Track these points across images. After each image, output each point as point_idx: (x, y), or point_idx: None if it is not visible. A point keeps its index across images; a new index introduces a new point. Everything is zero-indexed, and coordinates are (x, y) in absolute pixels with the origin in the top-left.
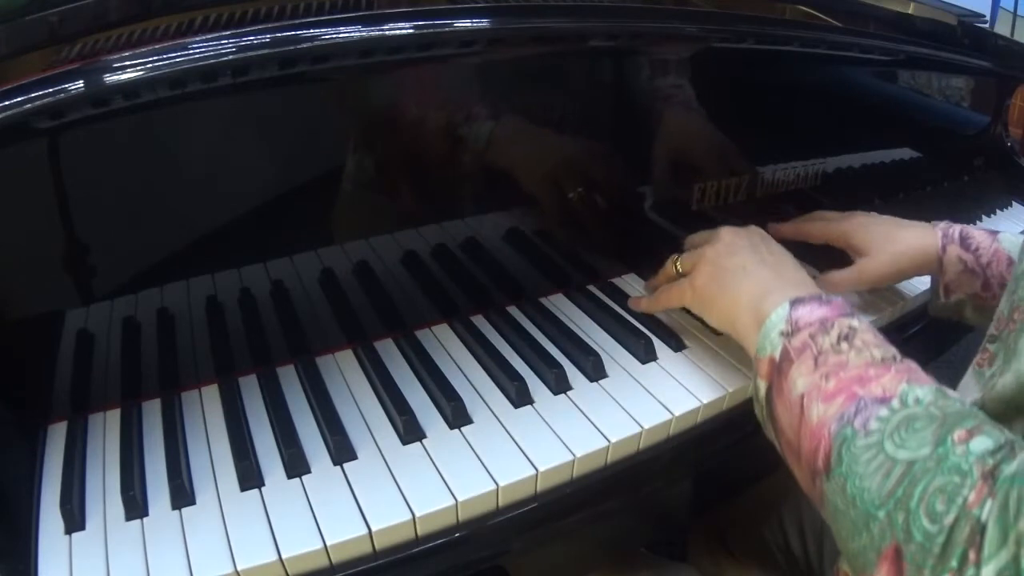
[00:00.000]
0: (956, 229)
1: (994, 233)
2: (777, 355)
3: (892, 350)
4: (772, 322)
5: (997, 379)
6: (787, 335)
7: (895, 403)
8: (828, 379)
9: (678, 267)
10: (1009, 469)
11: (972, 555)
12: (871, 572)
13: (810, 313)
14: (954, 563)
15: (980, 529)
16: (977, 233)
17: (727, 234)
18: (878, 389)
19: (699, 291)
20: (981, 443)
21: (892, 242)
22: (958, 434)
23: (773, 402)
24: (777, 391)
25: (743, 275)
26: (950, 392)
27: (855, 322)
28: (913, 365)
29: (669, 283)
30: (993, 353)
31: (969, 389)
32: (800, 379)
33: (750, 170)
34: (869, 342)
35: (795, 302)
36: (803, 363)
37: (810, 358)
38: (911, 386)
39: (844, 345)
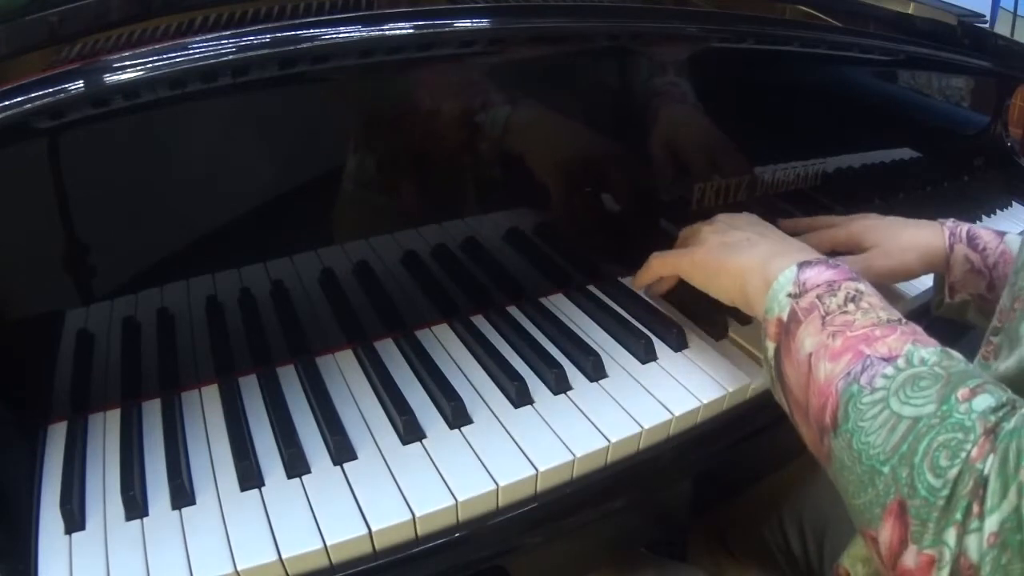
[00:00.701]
0: (963, 228)
1: (1001, 234)
2: (785, 316)
3: (897, 313)
4: (780, 284)
5: (999, 364)
6: (795, 296)
7: (901, 362)
8: (835, 338)
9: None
10: (1009, 425)
11: (976, 507)
12: (876, 527)
13: (818, 275)
14: (958, 516)
15: (983, 482)
16: (984, 233)
17: (725, 215)
18: (884, 348)
19: (700, 261)
20: (984, 401)
21: (900, 240)
22: (962, 392)
23: (781, 362)
24: (785, 351)
25: (747, 245)
26: (954, 353)
27: (861, 285)
28: (918, 328)
29: (663, 253)
30: (998, 345)
31: None
32: (808, 339)
33: (750, 169)
34: (875, 304)
35: (802, 264)
36: (811, 323)
37: (817, 318)
38: (916, 347)
39: (851, 306)
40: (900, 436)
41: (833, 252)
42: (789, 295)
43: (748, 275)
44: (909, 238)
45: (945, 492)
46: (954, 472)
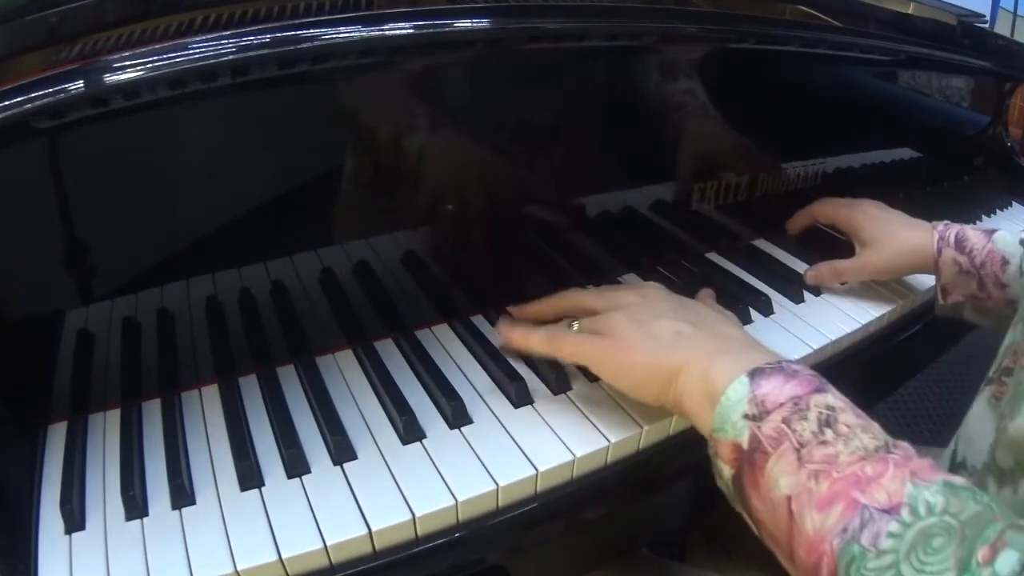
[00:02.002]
0: (953, 231)
1: (990, 232)
2: (745, 442)
3: (879, 432)
4: (730, 400)
5: (1009, 421)
6: (754, 419)
7: (905, 514)
8: (818, 480)
9: (573, 325)
10: None
11: None
12: None
13: (777, 391)
14: None
15: None
16: (972, 234)
17: (635, 292)
18: (882, 495)
19: (621, 357)
20: (1006, 561)
21: (895, 240)
22: (982, 552)
23: (746, 492)
24: (751, 484)
25: (680, 340)
26: (957, 481)
27: (831, 398)
28: (908, 450)
29: (559, 327)
30: (1009, 387)
31: (984, 421)
32: (783, 478)
33: (758, 168)
34: (853, 425)
35: (755, 374)
36: (783, 457)
37: (791, 451)
38: (918, 488)
39: (828, 432)
40: None
41: (824, 243)
42: (746, 416)
43: (683, 380)
44: (902, 240)
45: None
46: None
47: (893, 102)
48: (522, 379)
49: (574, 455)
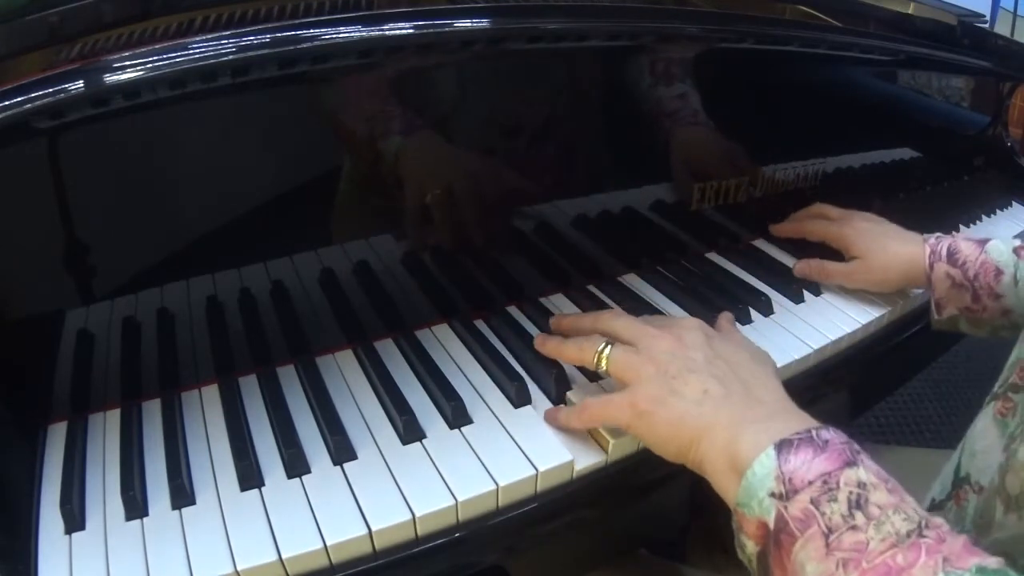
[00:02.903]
0: (944, 244)
1: (982, 243)
2: (771, 522)
3: (913, 511)
4: (757, 476)
5: (1019, 445)
6: (781, 497)
7: None
8: (847, 570)
9: (602, 365)
10: None
11: None
12: None
13: (806, 466)
14: None
15: None
16: (964, 246)
17: (671, 336)
18: None
19: (646, 415)
20: None
21: (886, 254)
22: None
23: (771, 571)
24: (776, 564)
25: (706, 401)
26: (990, 564)
27: (862, 473)
28: (943, 530)
29: (598, 395)
30: (1016, 404)
31: (989, 437)
32: (809, 564)
33: (752, 169)
34: (885, 505)
35: (781, 447)
36: (809, 541)
37: (818, 535)
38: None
39: (859, 516)
40: None
41: (822, 244)
42: (772, 495)
43: (707, 444)
44: (893, 255)
45: None
46: None
47: (893, 102)
48: (522, 379)
49: (574, 455)
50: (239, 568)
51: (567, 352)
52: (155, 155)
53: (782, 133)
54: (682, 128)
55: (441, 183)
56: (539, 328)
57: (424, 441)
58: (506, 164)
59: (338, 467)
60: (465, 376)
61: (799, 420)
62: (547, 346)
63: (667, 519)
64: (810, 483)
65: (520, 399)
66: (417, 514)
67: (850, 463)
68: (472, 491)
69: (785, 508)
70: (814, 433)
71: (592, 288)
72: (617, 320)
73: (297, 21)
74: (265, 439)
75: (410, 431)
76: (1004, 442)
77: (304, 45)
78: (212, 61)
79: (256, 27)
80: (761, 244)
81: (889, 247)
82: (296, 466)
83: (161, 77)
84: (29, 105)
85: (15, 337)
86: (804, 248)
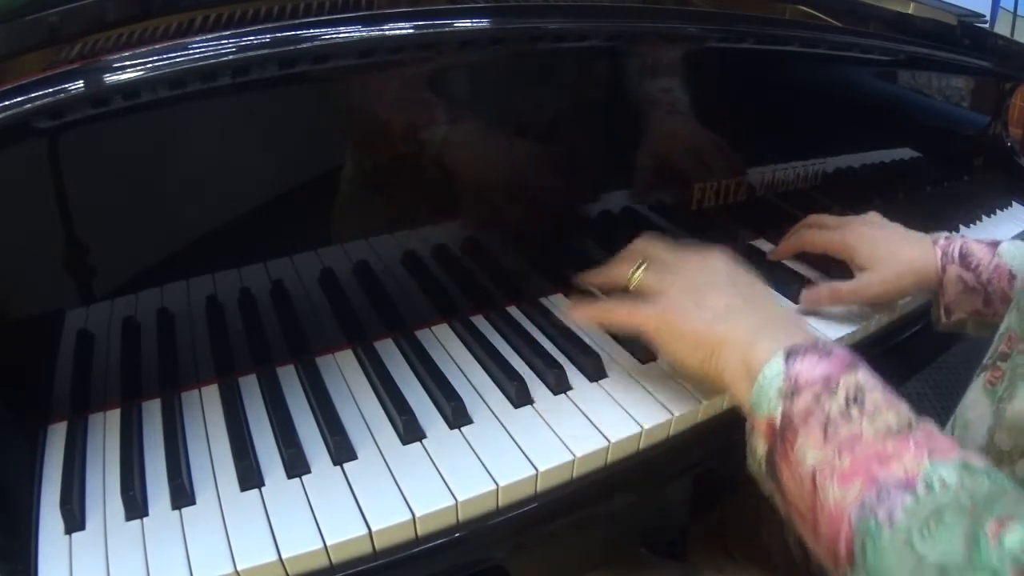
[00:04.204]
0: (956, 245)
1: (994, 246)
2: (778, 419)
3: (905, 411)
4: (767, 379)
5: (1007, 404)
6: (787, 395)
7: (920, 489)
8: (842, 455)
9: (635, 278)
10: None
11: None
12: None
13: (811, 369)
14: None
15: None
16: (977, 248)
17: (699, 259)
18: (899, 471)
19: (670, 323)
20: (1015, 536)
21: (895, 260)
22: (990, 527)
23: (777, 467)
24: (782, 458)
25: (727, 315)
26: (975, 462)
27: (860, 377)
28: (931, 428)
29: (621, 299)
30: (1005, 373)
31: (980, 407)
32: (809, 452)
33: (745, 170)
34: (880, 403)
35: (791, 352)
36: (810, 433)
37: (818, 427)
38: (934, 465)
39: (855, 410)
40: None
41: (824, 256)
42: (780, 393)
43: (726, 353)
44: (903, 260)
45: None
46: None
47: (893, 102)
48: (522, 379)
49: (574, 455)
50: (239, 568)
51: (603, 276)
52: (155, 155)
53: (782, 133)
54: (681, 127)
55: (464, 178)
56: (539, 327)
57: (424, 441)
58: (524, 161)
59: (338, 467)
60: (465, 376)
61: (808, 334)
62: (576, 315)
63: (667, 519)
64: (813, 382)
65: (520, 399)
66: (417, 514)
67: (851, 368)
68: (472, 491)
69: (791, 405)
70: (820, 343)
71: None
72: (650, 244)
73: (297, 21)
74: (265, 439)
75: (410, 431)
76: (992, 408)
77: (304, 45)
78: (212, 61)
79: (256, 27)
80: (761, 244)
81: (899, 252)
82: (296, 466)
83: (161, 77)
84: (29, 105)
85: (15, 337)
86: (803, 255)
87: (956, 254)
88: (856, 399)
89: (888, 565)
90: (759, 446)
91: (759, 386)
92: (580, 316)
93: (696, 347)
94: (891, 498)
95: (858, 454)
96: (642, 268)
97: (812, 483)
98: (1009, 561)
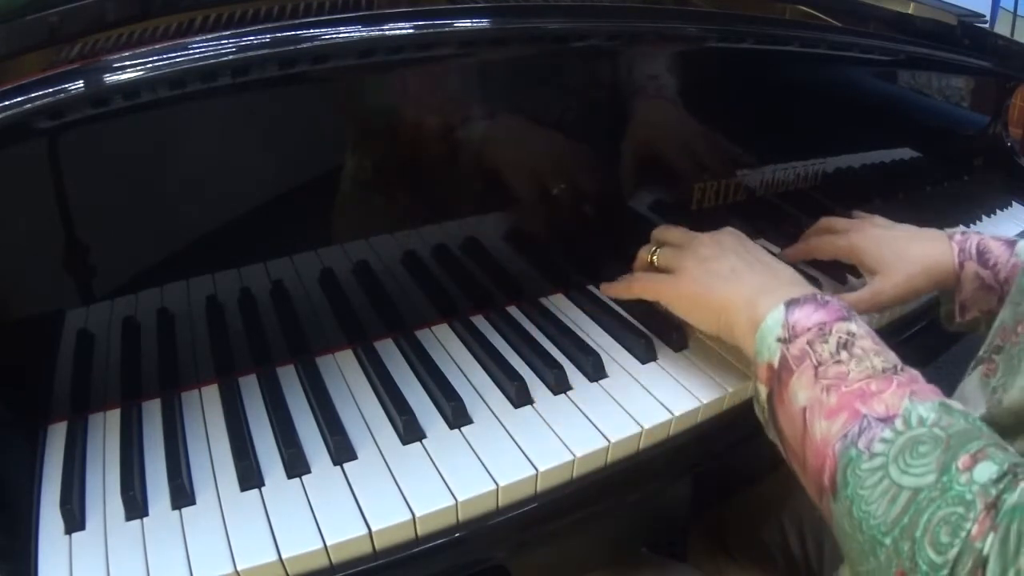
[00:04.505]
0: (973, 242)
1: (1012, 244)
2: (776, 362)
3: (893, 358)
4: (768, 326)
5: (1003, 394)
6: (785, 341)
7: (899, 423)
8: (829, 393)
9: (654, 259)
10: (1011, 500)
11: None
12: None
13: (807, 317)
14: None
15: (982, 562)
16: (995, 245)
17: (710, 237)
18: (880, 406)
19: (684, 290)
20: (985, 470)
21: (906, 260)
22: (962, 460)
23: (775, 409)
24: (779, 399)
25: (734, 277)
26: (954, 404)
27: (853, 326)
28: (915, 374)
29: (646, 271)
30: (998, 363)
31: (975, 400)
32: (801, 391)
33: (745, 170)
34: (868, 349)
35: (790, 303)
36: (803, 374)
37: (810, 368)
38: (914, 403)
39: (844, 354)
40: (901, 508)
41: (834, 260)
42: (779, 339)
43: (734, 311)
44: (916, 258)
45: (945, 571)
46: (954, 551)
47: (893, 102)
48: (522, 379)
49: (574, 455)
50: (239, 568)
51: (619, 291)
52: (155, 155)
53: (782, 133)
54: (680, 127)
55: (465, 178)
56: (539, 327)
57: (424, 441)
58: (549, 152)
59: (338, 467)
60: (465, 376)
61: (809, 289)
62: (609, 291)
63: (668, 519)
64: (808, 329)
65: (520, 399)
66: (417, 514)
67: (844, 318)
68: (472, 491)
69: (787, 348)
70: (818, 296)
71: (592, 288)
72: (667, 230)
73: (297, 21)
74: (265, 439)
75: (410, 431)
76: (987, 400)
77: (304, 45)
78: (212, 61)
79: (256, 27)
80: (761, 244)
81: (908, 252)
82: (296, 466)
83: (161, 77)
84: (29, 105)
85: (15, 337)
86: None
87: (974, 250)
88: (846, 345)
89: (865, 490)
90: (762, 391)
91: (761, 334)
92: (610, 291)
93: (709, 309)
94: (871, 430)
95: (844, 391)
96: (658, 249)
97: (803, 420)
98: (979, 492)
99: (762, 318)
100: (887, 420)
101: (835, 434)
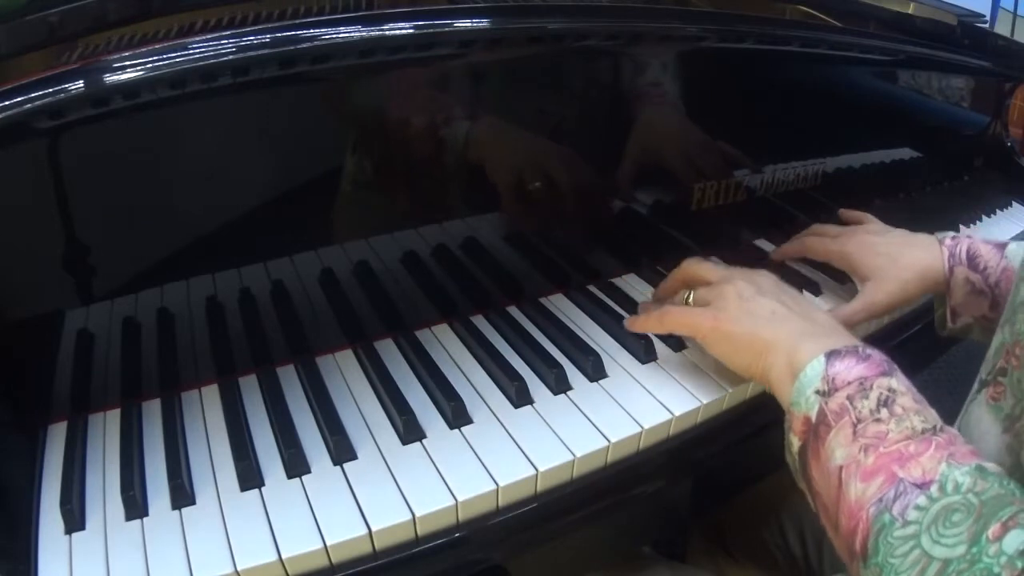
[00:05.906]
0: (963, 246)
1: (1001, 247)
2: (813, 416)
3: (933, 417)
4: (808, 377)
5: (1020, 423)
6: (824, 395)
7: (934, 490)
8: (867, 453)
9: (690, 301)
10: None
11: None
12: None
13: (848, 371)
14: None
15: None
16: (984, 249)
17: (746, 276)
18: (917, 470)
19: (723, 328)
20: (1014, 540)
21: (899, 267)
22: (993, 529)
23: (808, 464)
24: (813, 454)
25: (775, 320)
26: (990, 467)
27: (894, 382)
28: (954, 434)
29: (680, 305)
30: (1006, 387)
31: (984, 423)
32: (838, 449)
33: (744, 170)
34: (909, 408)
35: (831, 355)
36: (841, 431)
37: (848, 425)
38: (951, 467)
39: (884, 412)
40: None
41: (826, 264)
42: (818, 392)
43: (772, 355)
44: (909, 264)
45: None
46: None
47: (893, 102)
48: (522, 379)
49: (574, 455)
50: (239, 568)
51: (651, 325)
52: (155, 155)
53: (782, 133)
54: (680, 127)
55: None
56: (539, 327)
57: (424, 441)
58: (549, 151)
59: (338, 467)
60: (465, 376)
61: (850, 339)
62: (635, 325)
63: (667, 519)
64: (848, 383)
65: (520, 399)
66: (417, 514)
67: (885, 373)
68: (472, 491)
69: (826, 403)
70: (860, 348)
71: (592, 288)
72: (697, 265)
73: (297, 21)
74: (265, 439)
75: (410, 431)
76: (1002, 425)
77: (304, 45)
78: (212, 61)
79: (256, 27)
80: (761, 244)
81: (900, 257)
82: (296, 466)
83: (161, 77)
84: (29, 105)
85: (15, 337)
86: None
87: (964, 255)
88: (887, 402)
89: (896, 559)
90: (795, 443)
91: (799, 384)
92: (636, 326)
93: (745, 349)
94: (907, 495)
95: (881, 452)
96: (691, 294)
97: (838, 479)
98: (1006, 563)
99: (801, 366)
100: (923, 486)
101: (870, 497)
